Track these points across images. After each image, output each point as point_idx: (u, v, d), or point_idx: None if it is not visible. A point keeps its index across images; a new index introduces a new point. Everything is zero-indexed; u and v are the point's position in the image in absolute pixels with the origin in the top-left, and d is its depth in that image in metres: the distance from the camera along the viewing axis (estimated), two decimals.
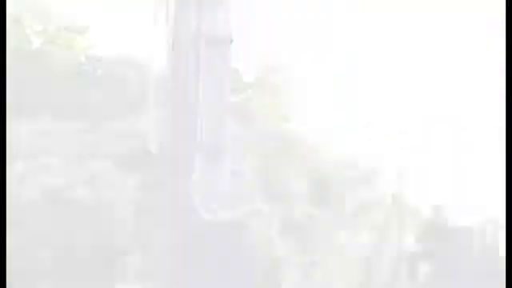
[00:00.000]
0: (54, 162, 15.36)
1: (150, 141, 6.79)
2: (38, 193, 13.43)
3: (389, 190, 26.47)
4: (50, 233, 13.07)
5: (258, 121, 19.13)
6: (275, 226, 15.19)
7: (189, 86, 5.94)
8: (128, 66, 27.79)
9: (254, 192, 15.64)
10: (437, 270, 14.40)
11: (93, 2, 46.19)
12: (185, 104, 5.92)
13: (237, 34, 5.99)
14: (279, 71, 33.37)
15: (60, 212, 13.28)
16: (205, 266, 8.01)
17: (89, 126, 22.90)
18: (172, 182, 6.19)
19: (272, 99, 31.02)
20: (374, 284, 18.28)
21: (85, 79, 26.49)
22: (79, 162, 16.56)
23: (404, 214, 26.28)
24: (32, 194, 13.70)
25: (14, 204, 13.18)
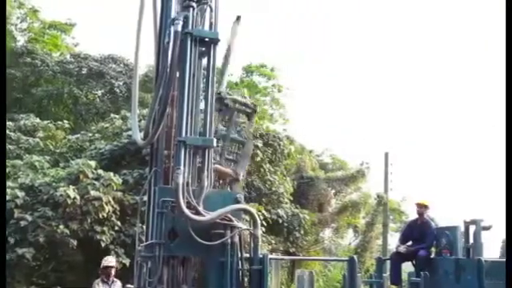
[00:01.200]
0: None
1: (137, 138, 6.52)
2: None
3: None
4: None
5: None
6: None
7: (175, 84, 5.78)
8: (114, 64, 27.42)
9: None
10: None
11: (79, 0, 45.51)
12: (171, 102, 5.78)
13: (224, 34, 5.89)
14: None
15: None
16: None
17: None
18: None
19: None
20: None
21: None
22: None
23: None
24: None
25: None
